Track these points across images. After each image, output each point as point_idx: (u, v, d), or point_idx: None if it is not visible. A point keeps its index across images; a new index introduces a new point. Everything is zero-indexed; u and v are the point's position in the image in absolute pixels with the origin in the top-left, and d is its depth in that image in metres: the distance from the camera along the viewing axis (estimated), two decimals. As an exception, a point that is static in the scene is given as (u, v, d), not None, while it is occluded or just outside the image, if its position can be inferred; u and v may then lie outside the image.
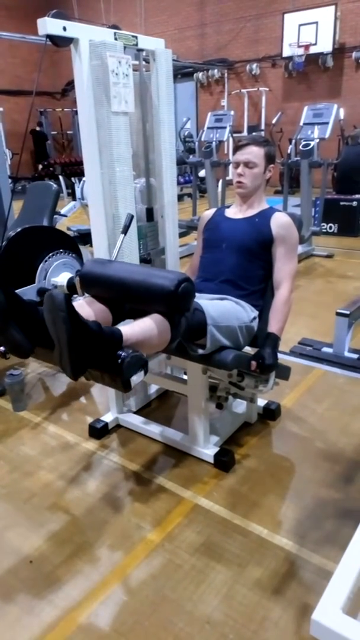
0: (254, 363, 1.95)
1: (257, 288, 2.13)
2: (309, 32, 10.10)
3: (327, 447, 2.30)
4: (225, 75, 12.09)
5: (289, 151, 6.43)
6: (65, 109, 14.61)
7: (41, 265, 3.16)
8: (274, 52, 10.97)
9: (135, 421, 2.46)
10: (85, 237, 3.92)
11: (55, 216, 3.69)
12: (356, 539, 1.33)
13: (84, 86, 1.95)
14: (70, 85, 13.53)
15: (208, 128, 6.27)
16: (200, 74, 12.33)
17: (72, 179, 5.65)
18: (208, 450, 2.21)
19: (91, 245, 2.34)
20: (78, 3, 12.52)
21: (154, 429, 2.39)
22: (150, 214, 2.39)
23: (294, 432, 2.43)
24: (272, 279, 2.13)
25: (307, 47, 10.19)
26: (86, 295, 1.84)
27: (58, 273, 3.23)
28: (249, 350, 2.13)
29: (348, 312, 3.05)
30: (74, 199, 4.58)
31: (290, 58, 10.55)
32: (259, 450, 2.30)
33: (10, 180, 4.05)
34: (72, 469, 2.22)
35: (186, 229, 5.73)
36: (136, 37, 2.10)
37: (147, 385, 2.68)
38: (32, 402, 2.79)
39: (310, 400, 2.69)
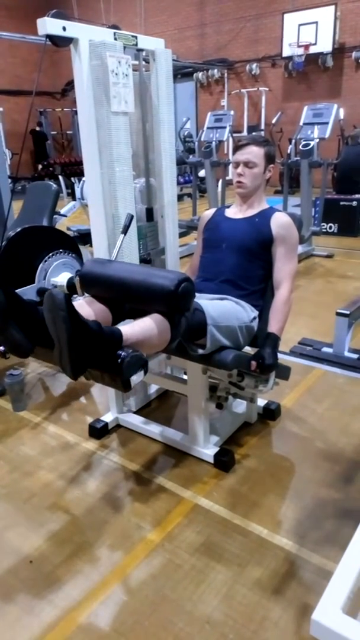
0: (254, 363, 1.95)
1: (257, 288, 2.13)
2: (309, 32, 10.10)
3: (327, 447, 2.30)
4: (225, 75, 12.09)
5: (288, 151, 6.43)
6: (65, 109, 14.61)
7: (41, 265, 3.16)
8: (274, 52, 10.97)
9: (135, 421, 2.46)
10: (85, 237, 3.92)
11: (55, 216, 3.69)
12: (356, 539, 1.33)
13: (83, 86, 1.95)
14: (70, 85, 13.54)
15: (208, 128, 6.27)
16: (200, 74, 12.33)
17: (72, 179, 5.66)
18: (208, 450, 2.21)
19: (91, 245, 2.34)
20: (78, 3, 12.52)
21: (154, 429, 2.39)
22: (150, 214, 2.39)
23: (294, 432, 2.43)
24: (272, 279, 2.13)
25: (307, 47, 10.19)
26: (86, 295, 1.84)
27: (58, 273, 3.24)
28: (249, 350, 2.13)
29: (348, 312, 3.05)
30: (74, 199, 4.58)
31: (290, 58, 10.55)
32: (259, 450, 2.30)
33: (10, 180, 4.05)
34: (72, 469, 2.22)
35: (186, 229, 5.73)
36: (136, 37, 2.10)
37: (147, 385, 2.68)
38: (32, 402, 2.79)
39: (310, 400, 2.69)
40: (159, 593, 1.61)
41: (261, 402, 2.53)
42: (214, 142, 6.07)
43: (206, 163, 6.10)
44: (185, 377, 2.34)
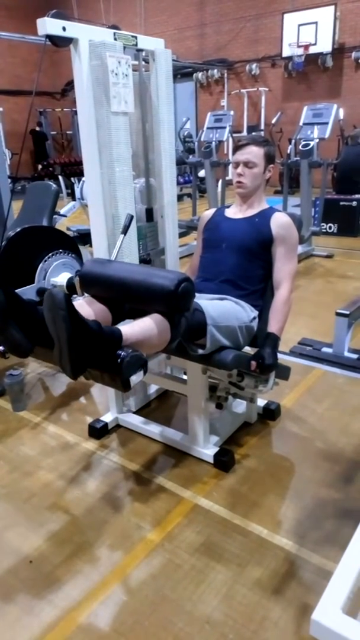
0: (253, 363, 1.95)
1: (257, 288, 2.13)
2: (309, 32, 10.10)
3: (327, 447, 2.30)
4: (225, 75, 12.09)
5: (288, 151, 6.43)
6: (65, 109, 14.61)
7: (41, 265, 3.16)
8: (274, 52, 10.98)
9: (135, 421, 2.46)
10: (84, 237, 3.92)
11: (54, 216, 3.69)
12: (356, 539, 1.33)
13: (83, 86, 1.95)
14: (70, 85, 13.54)
15: (208, 128, 6.27)
16: (199, 74, 12.33)
17: (72, 179, 5.66)
18: (208, 450, 2.21)
19: (91, 246, 2.34)
20: (78, 3, 12.52)
21: (154, 429, 2.39)
22: (150, 214, 2.39)
23: (293, 432, 2.43)
24: (272, 279, 2.13)
25: (306, 47, 10.19)
26: (86, 295, 1.84)
27: (58, 273, 3.24)
28: (248, 350, 2.13)
29: (348, 312, 3.05)
30: (74, 199, 4.57)
31: (289, 58, 10.56)
32: (259, 450, 2.30)
33: (9, 180, 4.05)
34: (72, 469, 2.22)
35: (186, 229, 5.73)
36: (136, 37, 2.10)
37: (146, 385, 2.68)
38: (32, 402, 2.79)
39: (310, 400, 2.69)
40: (159, 593, 1.61)
41: (261, 402, 2.53)
42: (213, 142, 6.08)
43: (206, 163, 6.10)
44: (185, 377, 2.34)
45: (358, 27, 9.97)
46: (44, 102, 14.34)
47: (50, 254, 3.20)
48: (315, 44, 10.13)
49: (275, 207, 2.22)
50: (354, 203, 6.32)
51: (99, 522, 1.91)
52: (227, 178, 6.68)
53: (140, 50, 2.16)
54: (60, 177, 6.80)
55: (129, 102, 2.03)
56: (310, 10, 10.02)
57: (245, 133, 11.31)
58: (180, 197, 9.39)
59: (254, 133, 10.52)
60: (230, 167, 7.77)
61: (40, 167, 12.39)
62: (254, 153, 2.08)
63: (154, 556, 1.74)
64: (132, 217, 2.06)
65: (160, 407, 2.69)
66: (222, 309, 1.94)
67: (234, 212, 2.22)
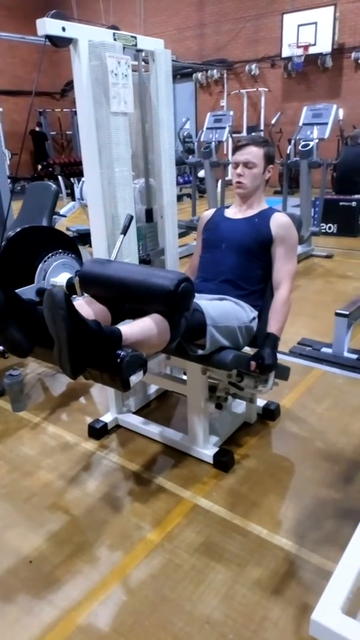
0: (253, 363, 1.95)
1: (257, 288, 2.13)
2: (308, 32, 10.11)
3: (327, 447, 2.31)
4: (225, 75, 12.10)
5: (288, 151, 6.43)
6: (65, 109, 14.62)
7: (40, 265, 3.16)
8: (273, 52, 10.98)
9: (134, 421, 2.46)
10: (84, 238, 3.92)
11: (54, 216, 3.69)
12: (356, 539, 1.33)
13: (83, 86, 1.95)
14: (69, 85, 13.53)
15: (207, 128, 6.27)
16: (199, 75, 12.33)
17: (72, 179, 5.65)
18: (207, 450, 2.21)
19: (90, 246, 2.34)
20: (77, 3, 12.52)
21: (154, 429, 2.39)
22: (149, 214, 2.39)
23: (293, 432, 2.43)
24: (272, 279, 2.13)
25: (306, 47, 10.20)
26: (85, 295, 1.84)
27: (57, 273, 3.24)
28: (248, 350, 2.13)
29: (347, 313, 3.05)
30: (73, 199, 4.58)
31: (289, 58, 10.56)
32: (259, 450, 2.30)
33: (9, 181, 4.05)
34: (72, 469, 2.22)
35: (185, 229, 5.73)
36: (135, 37, 2.10)
37: (146, 385, 2.68)
38: (32, 402, 2.79)
39: (309, 401, 2.69)
40: (159, 593, 1.61)
41: (260, 402, 2.53)
42: (213, 143, 6.08)
43: (205, 163, 6.10)
44: (184, 377, 2.34)
45: (358, 28, 9.97)
46: (43, 102, 14.35)
47: (49, 254, 3.20)
48: (314, 45, 10.13)
49: (275, 208, 2.22)
50: (354, 203, 6.32)
51: (98, 522, 1.91)
52: (226, 178, 6.68)
53: (140, 50, 2.16)
54: (59, 177, 6.81)
55: (129, 102, 2.03)
56: (309, 11, 10.02)
57: (244, 133, 11.31)
58: (179, 198, 9.39)
59: (253, 133, 10.52)
60: (229, 168, 7.77)
61: (39, 167, 12.44)
62: (254, 153, 2.08)
63: (154, 556, 1.74)
64: (131, 217, 2.06)
65: (159, 408, 2.69)
66: (221, 310, 1.94)
67: (234, 212, 2.22)
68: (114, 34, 2.00)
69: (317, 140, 5.18)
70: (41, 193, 3.67)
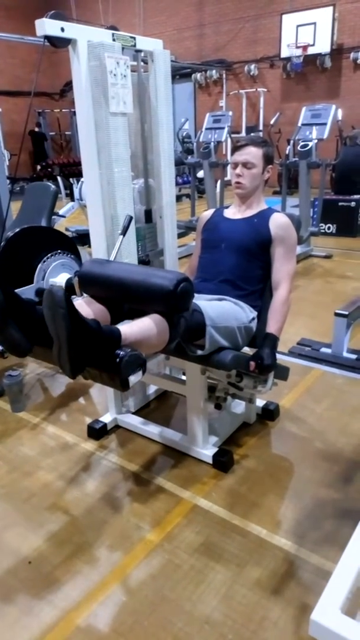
0: (252, 363, 1.95)
1: (256, 288, 2.14)
2: (307, 32, 10.11)
3: (326, 447, 2.31)
4: (224, 76, 12.10)
5: (287, 152, 6.44)
6: (64, 110, 14.61)
7: (39, 265, 3.16)
8: (272, 52, 10.98)
9: (134, 422, 2.46)
10: (83, 238, 3.93)
11: (53, 217, 3.69)
12: (355, 539, 1.33)
13: (82, 87, 1.95)
14: (68, 86, 13.53)
15: (206, 129, 6.27)
16: (198, 75, 12.34)
17: (71, 179, 5.64)
18: (207, 450, 2.21)
19: (89, 246, 2.35)
20: (76, 4, 12.52)
21: (153, 430, 2.39)
22: (148, 215, 2.39)
23: (292, 433, 2.43)
24: (271, 280, 2.13)
25: (305, 47, 10.20)
26: (85, 295, 1.84)
27: (56, 274, 3.24)
28: (247, 350, 2.13)
29: (347, 313, 3.05)
30: (73, 199, 4.58)
31: (288, 59, 10.56)
32: (258, 450, 2.30)
33: (8, 181, 4.05)
34: (71, 469, 2.22)
35: (185, 230, 5.74)
36: (134, 37, 2.10)
37: (146, 385, 2.68)
38: (31, 402, 2.79)
39: (309, 401, 2.70)
40: (159, 593, 1.61)
41: (260, 402, 2.53)
42: (212, 143, 6.08)
43: (205, 164, 6.10)
44: (184, 377, 2.34)
45: (357, 28, 9.98)
46: (42, 102, 14.34)
47: (49, 255, 3.20)
48: (313, 45, 10.13)
49: (274, 208, 2.22)
50: (353, 203, 6.32)
51: (98, 522, 1.91)
52: (225, 179, 6.68)
53: (139, 50, 2.16)
54: (59, 178, 6.81)
55: (128, 102, 2.03)
56: (308, 11, 10.02)
57: (243, 134, 11.31)
58: (179, 198, 9.40)
59: (252, 134, 10.53)
60: (228, 168, 7.77)
61: (39, 167, 12.44)
62: (253, 154, 2.08)
63: (154, 556, 1.74)
64: (131, 218, 2.06)
65: (159, 408, 2.69)
66: (220, 310, 1.95)
67: (233, 212, 2.22)
68: (112, 34, 2.00)
69: (316, 141, 5.19)
70: (40, 193, 3.67)
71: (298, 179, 5.40)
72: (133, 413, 2.57)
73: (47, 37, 1.79)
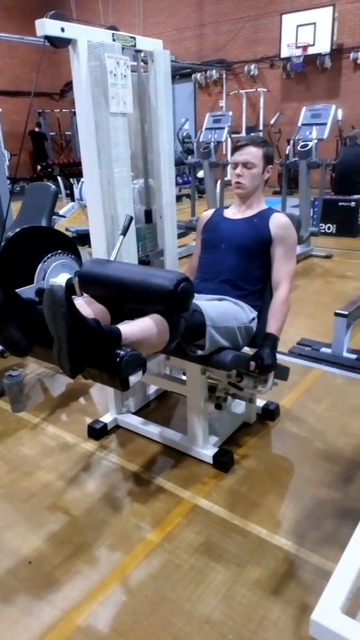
0: (252, 363, 1.95)
1: (256, 288, 2.14)
2: (307, 32, 10.11)
3: (326, 447, 2.31)
4: (224, 76, 12.10)
5: (287, 152, 6.44)
6: (64, 110, 14.61)
7: (40, 265, 3.16)
8: (272, 52, 10.98)
9: (134, 422, 2.46)
10: (83, 238, 3.93)
11: (53, 217, 3.69)
12: (355, 539, 1.33)
13: (82, 87, 1.95)
14: (68, 86, 13.53)
15: (206, 129, 6.27)
16: (198, 75, 12.34)
17: (71, 179, 5.65)
18: (207, 450, 2.21)
19: (90, 246, 2.35)
20: (76, 4, 12.52)
21: (153, 430, 2.39)
22: (148, 216, 2.39)
23: (293, 433, 2.43)
24: (271, 280, 2.13)
25: (305, 47, 10.20)
26: (85, 295, 1.84)
27: (57, 274, 3.24)
28: (247, 350, 2.13)
29: (347, 313, 3.05)
30: (73, 199, 4.58)
31: (288, 59, 10.56)
32: (258, 450, 2.30)
33: (8, 181, 4.05)
34: (71, 469, 2.22)
35: (185, 230, 5.74)
36: (134, 38, 2.10)
37: (146, 385, 2.68)
38: (31, 402, 2.79)
39: (309, 401, 2.70)
40: (159, 593, 1.61)
41: (260, 402, 2.53)
42: (212, 143, 6.08)
43: (205, 164, 6.10)
44: (184, 377, 2.34)
45: (356, 28, 9.98)
46: (42, 102, 14.34)
47: (49, 255, 3.20)
48: (313, 45, 10.13)
49: (274, 208, 2.22)
50: (353, 203, 6.32)
51: (98, 522, 1.91)
52: (225, 179, 6.68)
53: (139, 51, 2.16)
54: (59, 178, 6.81)
55: (128, 103, 2.03)
56: (308, 11, 10.03)
57: (243, 134, 11.31)
58: (179, 198, 9.40)
59: (252, 134, 10.53)
60: (228, 168, 7.76)
61: (39, 167, 12.44)
62: (253, 154, 2.08)
63: (154, 556, 1.74)
64: (131, 218, 2.06)
65: (159, 408, 2.69)
66: (221, 310, 1.95)
67: (233, 212, 2.22)
68: (112, 34, 2.00)
69: (316, 141, 5.19)
70: (40, 193, 3.68)
71: (298, 179, 5.40)
72: (133, 413, 2.57)
73: (47, 37, 1.79)
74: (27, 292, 3.05)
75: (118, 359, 1.41)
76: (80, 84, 1.95)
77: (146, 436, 2.41)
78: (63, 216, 4.17)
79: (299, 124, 5.39)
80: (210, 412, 2.28)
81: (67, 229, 4.17)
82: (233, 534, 1.83)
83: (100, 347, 1.43)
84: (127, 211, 2.10)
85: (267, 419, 2.52)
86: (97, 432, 2.42)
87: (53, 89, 14.49)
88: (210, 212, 2.33)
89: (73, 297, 1.61)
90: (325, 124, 5.19)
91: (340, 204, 6.39)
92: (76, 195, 4.42)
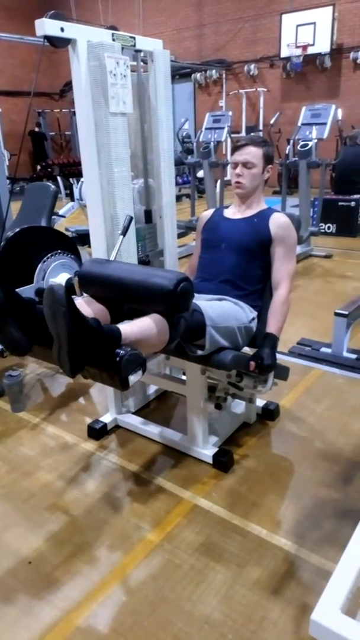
0: (252, 363, 1.95)
1: (256, 288, 2.14)
2: (307, 32, 10.11)
3: (326, 447, 2.31)
4: (224, 75, 12.10)
5: (287, 151, 6.44)
6: (64, 110, 14.61)
7: (39, 265, 3.16)
8: (272, 52, 10.98)
9: (134, 422, 2.46)
10: (83, 238, 3.93)
11: (53, 217, 3.69)
12: (355, 539, 1.33)
13: (82, 87, 1.95)
14: (68, 86, 13.53)
15: (206, 129, 6.27)
16: (198, 75, 12.34)
17: (71, 179, 5.65)
18: (207, 450, 2.21)
19: (89, 246, 2.34)
20: (76, 4, 12.52)
21: (153, 430, 2.39)
22: (148, 216, 2.39)
23: (293, 432, 2.43)
24: (271, 279, 2.13)
25: (305, 47, 10.20)
26: (85, 295, 1.84)
27: (56, 274, 3.24)
28: (247, 350, 2.13)
29: (346, 313, 3.05)
30: (72, 199, 4.58)
31: (288, 59, 10.56)
32: (258, 450, 2.30)
33: (8, 181, 4.05)
34: (71, 469, 2.22)
35: (185, 230, 5.74)
36: (134, 37, 2.10)
37: (146, 385, 2.68)
38: (31, 402, 2.79)
39: (309, 401, 2.70)
40: (159, 593, 1.61)
41: (260, 402, 2.53)
42: (212, 143, 6.08)
43: (204, 163, 6.10)
44: (184, 377, 2.34)
45: (356, 28, 9.98)
46: (42, 102, 14.34)
47: (49, 255, 3.20)
48: (313, 45, 10.13)
49: (274, 208, 2.22)
50: (353, 203, 6.32)
51: (98, 522, 1.91)
52: (225, 178, 6.68)
53: (139, 50, 2.16)
54: (58, 178, 6.81)
55: (128, 102, 2.03)
56: (308, 11, 10.03)
57: (243, 133, 11.31)
58: (178, 198, 9.40)
59: (252, 133, 10.53)
60: (228, 168, 7.76)
61: (39, 167, 12.44)
62: (253, 153, 2.08)
63: (154, 556, 1.74)
64: (131, 218, 2.06)
65: (159, 408, 2.69)
66: (221, 310, 1.94)
67: (233, 212, 2.22)
68: (112, 34, 2.00)
69: (316, 140, 5.18)
70: (40, 193, 3.68)
71: (298, 178, 5.40)
72: (133, 413, 2.57)
73: (47, 37, 1.79)
74: (26, 292, 3.05)
75: (118, 359, 1.41)
76: (80, 83, 1.95)
77: (146, 436, 2.41)
78: (63, 216, 4.17)
79: (299, 124, 5.39)
80: (210, 412, 2.28)
81: (66, 229, 4.17)
82: (233, 534, 1.83)
83: (100, 347, 1.43)
84: (126, 211, 2.10)
85: (267, 419, 2.52)
86: (97, 432, 2.42)
87: (53, 89, 14.49)
88: (210, 212, 2.33)
89: (73, 297, 1.62)
90: (325, 123, 5.19)
91: (340, 203, 6.39)
92: (76, 195, 4.42)
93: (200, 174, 7.20)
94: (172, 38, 12.22)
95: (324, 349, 3.23)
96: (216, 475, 2.14)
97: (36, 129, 13.80)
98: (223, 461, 2.15)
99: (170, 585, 1.63)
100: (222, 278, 2.11)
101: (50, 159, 12.84)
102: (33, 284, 3.14)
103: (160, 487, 2.08)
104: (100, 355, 1.43)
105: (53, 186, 3.74)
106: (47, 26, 1.77)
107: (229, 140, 6.90)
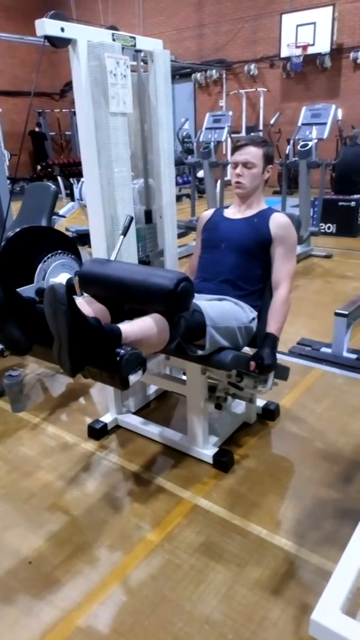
0: (252, 363, 1.95)
1: (256, 288, 2.14)
2: (307, 32, 10.11)
3: (326, 447, 2.31)
4: (224, 75, 12.10)
5: (287, 151, 6.44)
6: (64, 110, 14.62)
7: (40, 265, 3.16)
8: (272, 52, 10.98)
9: (134, 422, 2.46)
10: (83, 238, 3.93)
11: (53, 217, 3.69)
12: (355, 539, 1.33)
13: (82, 87, 1.95)
14: (68, 86, 13.53)
15: (206, 129, 6.27)
16: (198, 75, 12.34)
17: (71, 179, 5.65)
18: (207, 450, 2.21)
19: (89, 246, 2.34)
20: (76, 4, 12.52)
21: (153, 430, 2.39)
22: (149, 215, 2.39)
23: (293, 432, 2.43)
24: (271, 279, 2.13)
25: (305, 47, 10.20)
26: (85, 295, 1.84)
27: (57, 274, 3.24)
28: (247, 350, 2.13)
29: (347, 313, 3.05)
30: (73, 199, 4.58)
31: (288, 59, 10.56)
32: (258, 450, 2.30)
33: (8, 181, 4.06)
34: (71, 469, 2.22)
35: (185, 230, 5.74)
36: (134, 37, 2.10)
37: (146, 385, 2.68)
38: (31, 402, 2.79)
39: (309, 401, 2.70)
40: (159, 593, 1.61)
41: (260, 402, 2.53)
42: (212, 143, 6.08)
43: (205, 163, 6.10)
44: (184, 377, 2.34)
45: (356, 28, 9.98)
46: (42, 102, 14.34)
47: (49, 255, 3.20)
48: (313, 45, 10.13)
49: (274, 208, 2.22)
50: (353, 203, 6.32)
51: (98, 522, 1.91)
52: (225, 178, 6.68)
53: (139, 50, 2.16)
54: (59, 178, 6.81)
55: (128, 102, 2.03)
56: (308, 11, 10.02)
57: (243, 133, 11.31)
58: (179, 198, 9.40)
59: (252, 133, 10.53)
60: (228, 168, 7.75)
61: (39, 167, 12.44)
62: (253, 153, 2.08)
63: (154, 556, 1.74)
64: (131, 218, 2.06)
65: (159, 408, 2.69)
66: (221, 310, 1.94)
67: (233, 212, 2.22)
68: (112, 34, 2.00)
69: (316, 140, 5.18)
70: (40, 193, 3.68)
71: (298, 178, 5.40)
72: (133, 413, 2.57)
73: (47, 37, 1.79)
74: (27, 291, 3.05)
75: (118, 358, 1.41)
76: (80, 83, 1.95)
77: (146, 436, 2.41)
78: (63, 216, 4.17)
79: (299, 124, 5.39)
80: (210, 412, 2.28)
81: (67, 229, 4.17)
82: (233, 534, 1.83)
83: (101, 346, 1.43)
84: (127, 211, 2.10)
85: (267, 419, 2.52)
86: (97, 432, 2.42)
87: (53, 89, 14.49)
88: (210, 211, 2.33)
89: (73, 296, 1.62)
90: (325, 123, 5.19)
91: (340, 203, 6.39)
92: (76, 195, 4.42)
93: (200, 174, 7.20)
94: (172, 38, 12.22)
95: (324, 349, 3.23)
96: (216, 475, 2.14)
97: (36, 129, 13.80)
98: (223, 461, 2.15)
99: (170, 585, 1.63)
100: (222, 278, 2.11)
101: (51, 159, 12.85)
102: (33, 284, 3.14)
103: (161, 487, 2.08)
104: (100, 355, 1.43)
105: (53, 186, 3.74)
106: (47, 26, 1.77)
107: (229, 140, 6.90)
